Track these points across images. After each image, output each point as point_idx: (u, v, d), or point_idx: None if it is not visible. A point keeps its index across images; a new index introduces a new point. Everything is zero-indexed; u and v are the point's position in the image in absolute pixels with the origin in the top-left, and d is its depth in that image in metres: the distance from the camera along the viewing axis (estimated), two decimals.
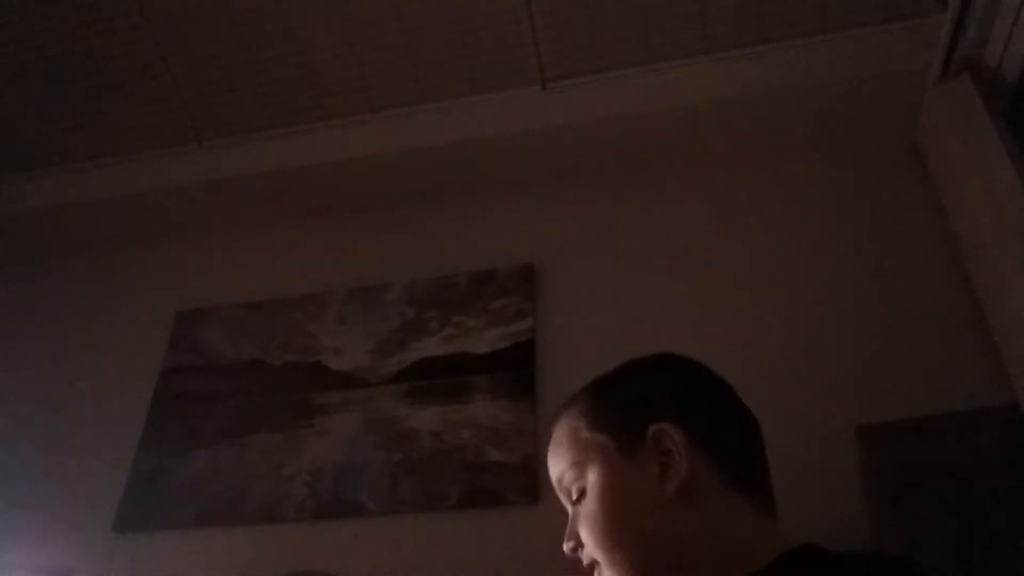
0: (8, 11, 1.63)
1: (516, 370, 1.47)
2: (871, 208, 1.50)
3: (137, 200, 1.81)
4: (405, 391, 1.51)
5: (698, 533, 0.67)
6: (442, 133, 1.67)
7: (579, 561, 0.74)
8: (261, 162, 1.74)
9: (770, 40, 1.55)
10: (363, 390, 1.53)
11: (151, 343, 1.72)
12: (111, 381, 1.70)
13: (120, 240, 1.91)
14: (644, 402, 0.76)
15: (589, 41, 1.59)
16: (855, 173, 1.55)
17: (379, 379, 1.54)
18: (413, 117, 1.69)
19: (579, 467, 0.74)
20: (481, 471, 1.37)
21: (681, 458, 0.69)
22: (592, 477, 0.73)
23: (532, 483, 1.33)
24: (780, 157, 1.61)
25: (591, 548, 0.71)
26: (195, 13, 1.62)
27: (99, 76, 1.71)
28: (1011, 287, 1.16)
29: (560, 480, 0.77)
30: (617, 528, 0.69)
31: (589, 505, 0.72)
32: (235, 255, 1.83)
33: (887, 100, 1.52)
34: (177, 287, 1.81)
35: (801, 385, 1.33)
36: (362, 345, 1.59)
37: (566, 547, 0.75)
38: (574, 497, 0.75)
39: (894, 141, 1.55)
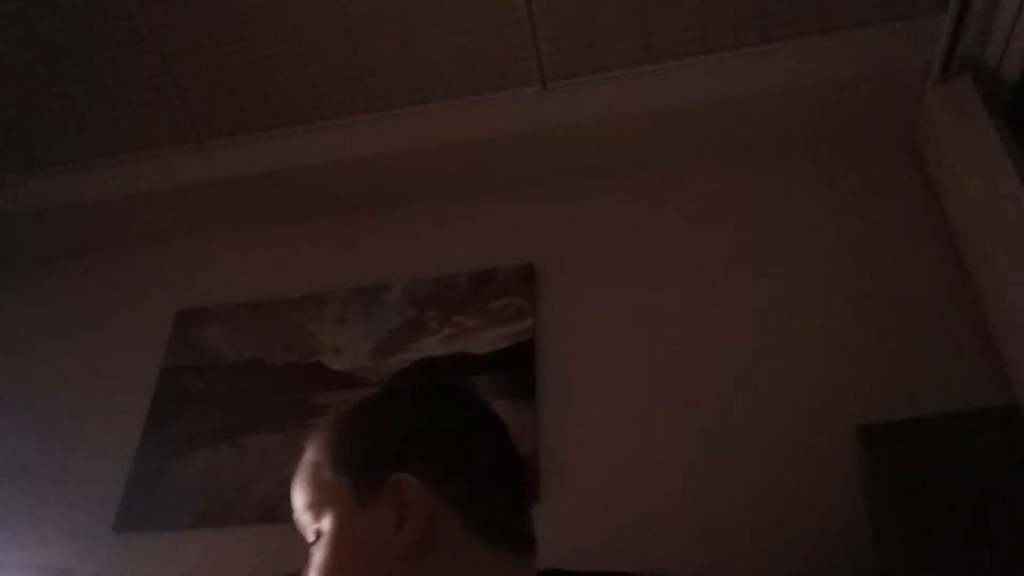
0: (8, 11, 1.63)
1: (516, 370, 1.47)
2: (871, 208, 1.50)
3: (137, 200, 1.81)
4: None
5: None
6: (442, 133, 1.67)
7: None
8: (261, 162, 1.74)
9: (770, 40, 1.54)
10: (363, 390, 1.53)
11: (151, 343, 1.72)
12: (111, 381, 1.70)
13: (120, 240, 1.91)
14: (388, 445, 0.70)
15: (589, 41, 1.59)
16: (855, 173, 1.55)
17: (379, 379, 1.54)
18: (413, 117, 1.69)
19: (316, 509, 0.69)
20: None
21: (419, 509, 0.65)
22: (326, 524, 0.67)
23: (532, 483, 1.33)
24: (780, 157, 1.61)
25: None
26: (195, 13, 1.62)
27: (99, 76, 1.71)
28: (1011, 287, 1.16)
29: (299, 520, 0.71)
30: (365, 567, 0.65)
31: (318, 555, 0.67)
32: (235, 255, 1.83)
33: (887, 100, 1.52)
34: (177, 287, 1.81)
35: (801, 385, 1.33)
36: (362, 345, 1.59)
37: None
38: (311, 540, 0.69)
39: (894, 141, 1.55)
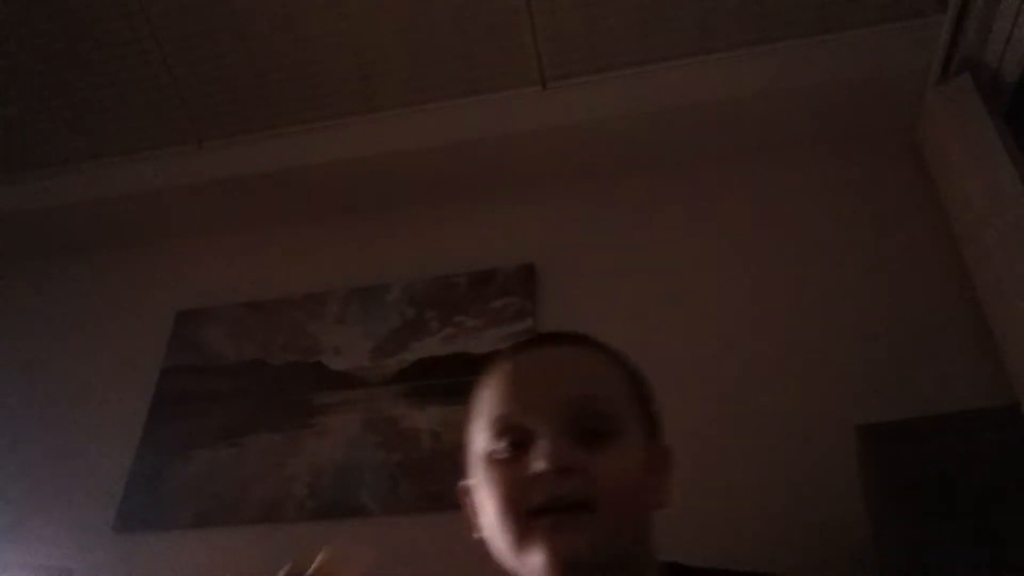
0: (8, 11, 1.63)
1: None
2: (871, 208, 1.50)
3: (137, 200, 1.81)
4: (405, 391, 1.51)
5: (650, 546, 0.70)
6: (442, 133, 1.67)
7: (549, 480, 0.64)
8: (261, 162, 1.74)
9: (770, 40, 1.55)
10: (363, 390, 1.53)
11: (151, 343, 1.72)
12: (111, 381, 1.70)
13: (120, 240, 1.91)
14: (657, 412, 0.75)
15: (589, 41, 1.59)
16: (855, 173, 1.55)
17: (379, 379, 1.54)
18: (413, 117, 1.69)
19: (615, 415, 0.68)
20: None
21: (668, 482, 0.72)
22: (626, 443, 0.68)
23: None
24: (780, 157, 1.61)
25: (608, 500, 0.64)
26: (195, 14, 1.62)
27: (99, 76, 1.71)
28: (1011, 287, 1.16)
29: (584, 402, 0.68)
30: (636, 504, 0.67)
31: (622, 465, 0.66)
32: (235, 255, 1.83)
33: (887, 100, 1.52)
34: (177, 287, 1.81)
35: (801, 385, 1.33)
36: (362, 345, 1.59)
37: (558, 464, 0.63)
38: (588, 427, 0.66)
39: (894, 141, 1.55)
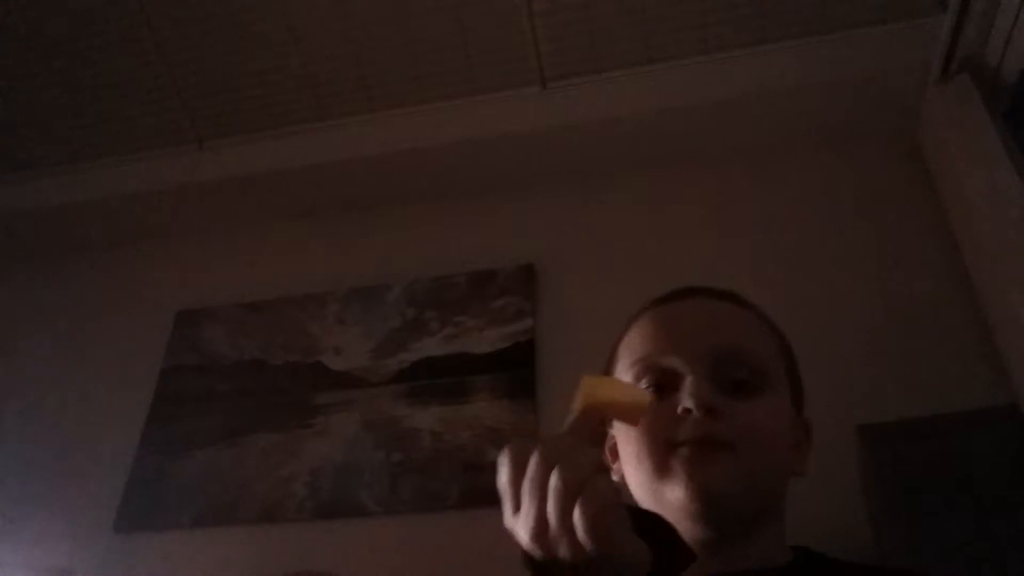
0: (9, 12, 1.63)
1: (516, 370, 1.47)
2: (871, 208, 1.50)
3: (137, 200, 1.81)
4: (405, 391, 1.51)
5: (783, 511, 0.70)
6: (442, 133, 1.67)
7: (695, 419, 0.64)
8: (261, 162, 1.74)
9: (770, 40, 1.55)
10: (363, 390, 1.53)
11: (151, 343, 1.72)
12: (111, 381, 1.70)
13: (120, 240, 1.91)
14: (802, 386, 0.76)
15: (589, 41, 1.59)
16: (855, 173, 1.55)
17: (379, 379, 1.54)
18: (413, 117, 1.69)
19: (763, 368, 0.69)
20: (481, 471, 1.37)
21: (808, 454, 0.72)
22: (773, 398, 0.68)
23: None
24: (780, 157, 1.61)
25: (751, 444, 0.64)
26: (195, 13, 1.62)
27: (99, 76, 1.71)
28: (1011, 287, 1.16)
29: (732, 350, 0.68)
30: (776, 458, 0.67)
31: (767, 416, 0.66)
32: (235, 255, 1.83)
33: (887, 100, 1.52)
34: (177, 287, 1.81)
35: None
36: (362, 345, 1.59)
37: (705, 403, 0.63)
38: (734, 377, 0.67)
39: (894, 141, 1.55)
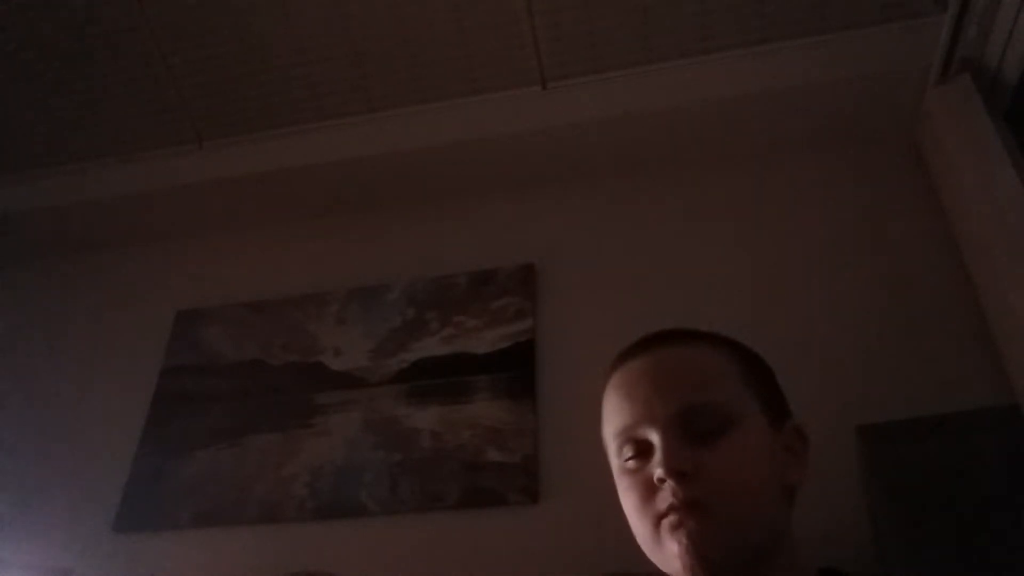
0: (9, 11, 1.63)
1: (516, 370, 1.47)
2: (871, 208, 1.50)
3: (137, 200, 1.81)
4: (405, 391, 1.51)
5: (788, 532, 0.72)
6: (442, 133, 1.67)
7: (667, 486, 0.68)
8: (261, 162, 1.74)
9: (770, 40, 1.54)
10: (363, 390, 1.53)
11: (151, 343, 1.72)
12: (111, 381, 1.70)
13: (120, 240, 1.91)
14: (782, 393, 0.79)
15: (589, 41, 1.59)
16: (855, 173, 1.55)
17: (379, 379, 1.54)
18: (413, 117, 1.69)
19: (726, 410, 0.71)
20: (481, 471, 1.37)
21: (804, 460, 0.75)
22: (741, 434, 0.70)
23: (532, 483, 1.33)
24: (780, 157, 1.61)
25: (724, 495, 0.67)
26: (195, 13, 1.62)
27: (99, 76, 1.71)
28: (1011, 287, 1.16)
29: (693, 408, 0.71)
30: (757, 493, 0.69)
31: (736, 457, 0.69)
32: (235, 255, 1.83)
33: (887, 100, 1.52)
34: (177, 287, 1.81)
35: (801, 385, 1.32)
36: (362, 345, 1.59)
37: (671, 470, 0.67)
38: (701, 429, 0.69)
39: (894, 141, 1.55)
